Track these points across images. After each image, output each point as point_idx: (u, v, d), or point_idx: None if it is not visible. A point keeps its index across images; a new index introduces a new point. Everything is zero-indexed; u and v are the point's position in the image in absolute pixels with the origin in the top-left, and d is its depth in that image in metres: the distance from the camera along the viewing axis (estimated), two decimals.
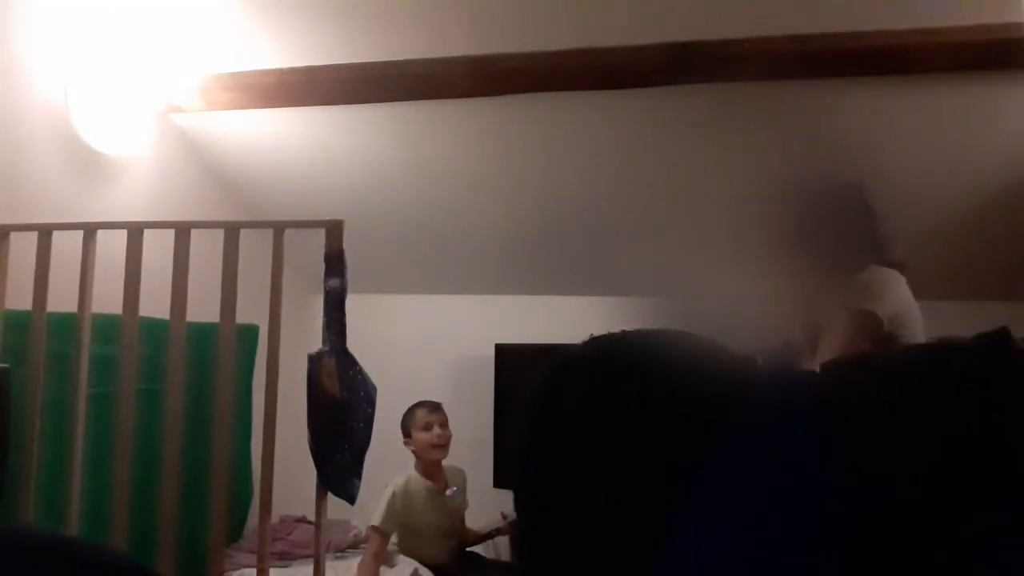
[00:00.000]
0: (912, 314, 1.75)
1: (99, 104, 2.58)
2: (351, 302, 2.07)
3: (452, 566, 3.03)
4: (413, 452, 3.08)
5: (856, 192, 1.84)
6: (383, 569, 2.88)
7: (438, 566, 2.99)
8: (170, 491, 2.04)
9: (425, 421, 3.05)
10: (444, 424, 3.08)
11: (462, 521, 3.18)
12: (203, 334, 2.28)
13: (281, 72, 2.72)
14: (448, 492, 3.07)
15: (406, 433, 3.08)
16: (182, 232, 2.11)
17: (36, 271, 2.09)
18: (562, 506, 0.72)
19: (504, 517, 3.17)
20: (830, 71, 2.52)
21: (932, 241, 3.30)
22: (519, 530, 0.78)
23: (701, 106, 2.76)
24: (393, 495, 2.91)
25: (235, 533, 2.98)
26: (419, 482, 3.03)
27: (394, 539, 3.00)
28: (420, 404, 3.12)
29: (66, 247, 2.12)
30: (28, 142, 2.36)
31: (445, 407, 3.18)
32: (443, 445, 3.05)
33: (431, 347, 4.02)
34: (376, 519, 2.87)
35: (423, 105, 2.85)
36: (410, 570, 2.91)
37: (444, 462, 3.15)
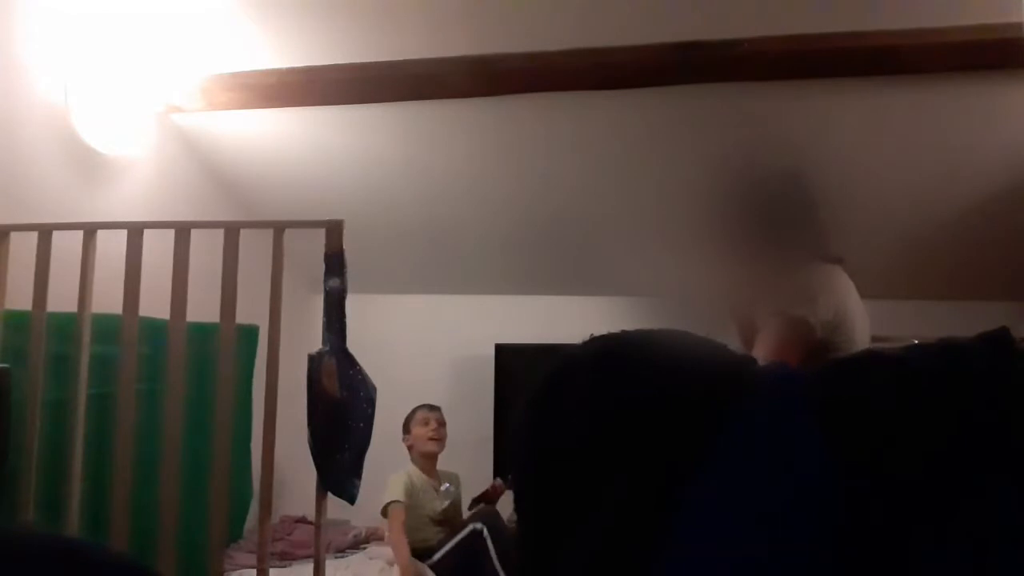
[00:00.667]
0: (849, 314, 1.69)
1: (99, 104, 2.58)
2: (351, 302, 2.07)
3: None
4: (409, 448, 3.32)
5: (794, 182, 1.81)
6: (385, 567, 2.93)
7: (430, 550, 3.07)
8: (170, 491, 2.04)
9: (423, 417, 3.32)
10: (441, 423, 3.34)
11: (460, 514, 3.29)
12: (203, 334, 2.28)
13: (281, 72, 2.73)
14: (442, 488, 3.28)
15: (406, 430, 3.34)
16: (182, 232, 2.11)
17: (36, 271, 2.09)
18: (562, 507, 0.72)
19: (494, 484, 3.30)
20: (829, 71, 2.52)
21: (932, 241, 3.30)
22: (519, 531, 0.78)
23: (701, 106, 2.76)
24: (402, 476, 3.17)
25: (235, 533, 2.98)
26: (418, 474, 3.26)
27: None
28: (421, 406, 3.38)
29: (66, 247, 2.13)
30: (28, 142, 2.36)
31: (445, 407, 3.39)
32: (439, 439, 3.31)
33: (431, 347, 4.02)
34: (392, 496, 3.07)
35: (423, 105, 2.85)
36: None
37: (440, 466, 3.35)
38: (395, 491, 3.08)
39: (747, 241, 1.69)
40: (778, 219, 1.69)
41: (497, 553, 2.90)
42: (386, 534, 3.12)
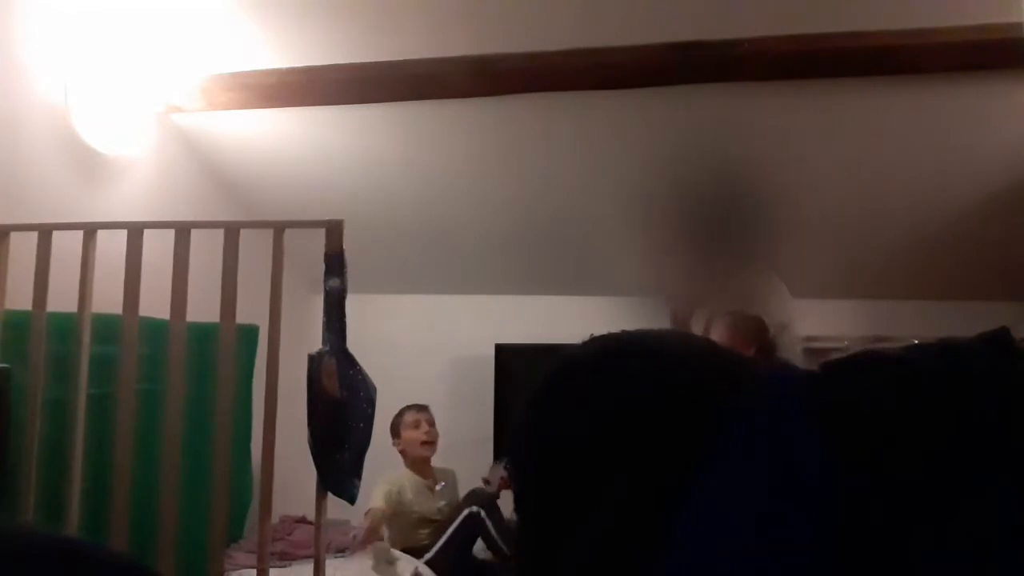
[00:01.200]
0: (792, 317, 1.75)
1: (99, 104, 2.58)
2: (351, 302, 2.07)
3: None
4: (401, 452, 3.27)
5: (732, 192, 1.86)
6: (385, 567, 2.93)
7: (425, 548, 3.07)
8: (170, 491, 2.04)
9: (414, 419, 3.26)
10: (431, 423, 3.30)
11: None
12: (203, 334, 2.27)
13: (281, 72, 2.73)
14: (437, 487, 3.26)
15: (395, 434, 3.27)
16: (182, 232, 2.11)
17: (36, 271, 2.09)
18: (562, 507, 0.72)
19: (486, 483, 3.26)
20: (830, 71, 2.52)
21: (932, 241, 3.30)
22: (519, 531, 0.78)
23: (701, 106, 2.76)
24: (389, 483, 3.11)
25: (235, 533, 2.98)
26: (411, 477, 3.22)
27: (387, 536, 3.07)
28: (408, 407, 3.32)
29: (66, 247, 2.13)
30: (28, 142, 2.36)
31: (445, 407, 3.39)
32: (431, 442, 3.26)
33: (431, 347, 4.02)
34: (373, 501, 3.01)
35: (423, 105, 2.85)
36: (411, 569, 2.92)
37: (434, 463, 3.34)
38: (375, 500, 3.05)
39: (692, 243, 1.75)
40: (721, 225, 1.75)
41: (496, 529, 2.91)
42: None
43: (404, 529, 3.13)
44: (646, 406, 0.70)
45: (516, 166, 3.21)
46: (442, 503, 3.24)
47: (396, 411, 3.28)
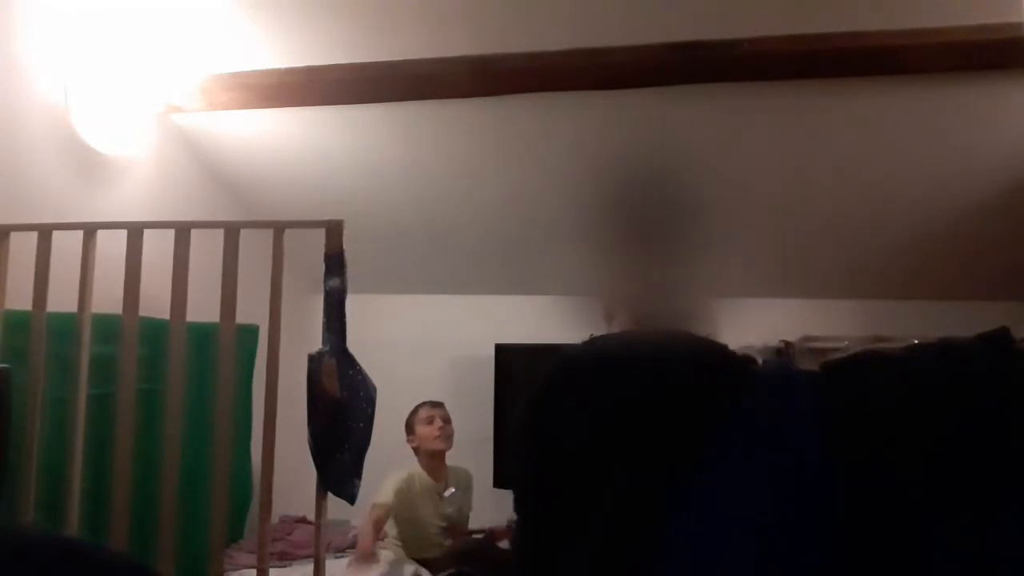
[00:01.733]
0: (711, 315, 1.73)
1: (99, 104, 2.58)
2: (351, 302, 2.07)
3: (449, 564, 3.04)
4: (415, 449, 3.20)
5: (657, 187, 1.84)
6: (385, 568, 2.91)
7: (431, 561, 3.01)
8: (170, 491, 2.04)
9: (428, 415, 3.20)
10: (446, 419, 3.23)
11: (467, 519, 3.21)
12: (203, 334, 2.28)
13: (281, 72, 2.73)
14: (446, 493, 3.16)
15: (410, 431, 3.22)
16: (182, 232, 2.11)
17: (36, 271, 2.09)
18: (563, 507, 0.72)
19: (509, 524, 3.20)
20: (830, 71, 2.52)
21: (932, 241, 3.30)
22: (520, 531, 0.78)
23: (701, 106, 2.76)
24: (400, 480, 3.04)
25: (235, 533, 2.98)
26: (422, 478, 3.13)
27: (393, 533, 3.03)
28: (422, 403, 3.27)
29: (66, 247, 2.13)
30: (28, 142, 2.36)
31: (445, 407, 3.26)
32: (445, 436, 3.18)
33: (431, 347, 4.02)
34: (380, 498, 2.94)
35: (423, 105, 2.85)
36: (410, 571, 2.91)
37: (450, 462, 3.25)
38: (385, 495, 2.96)
39: (636, 241, 1.74)
40: (646, 221, 1.73)
41: (489, 567, 2.82)
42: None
43: (408, 534, 3.08)
44: (647, 406, 0.70)
45: (516, 166, 3.21)
46: (449, 510, 3.15)
47: (397, 411, 3.22)
